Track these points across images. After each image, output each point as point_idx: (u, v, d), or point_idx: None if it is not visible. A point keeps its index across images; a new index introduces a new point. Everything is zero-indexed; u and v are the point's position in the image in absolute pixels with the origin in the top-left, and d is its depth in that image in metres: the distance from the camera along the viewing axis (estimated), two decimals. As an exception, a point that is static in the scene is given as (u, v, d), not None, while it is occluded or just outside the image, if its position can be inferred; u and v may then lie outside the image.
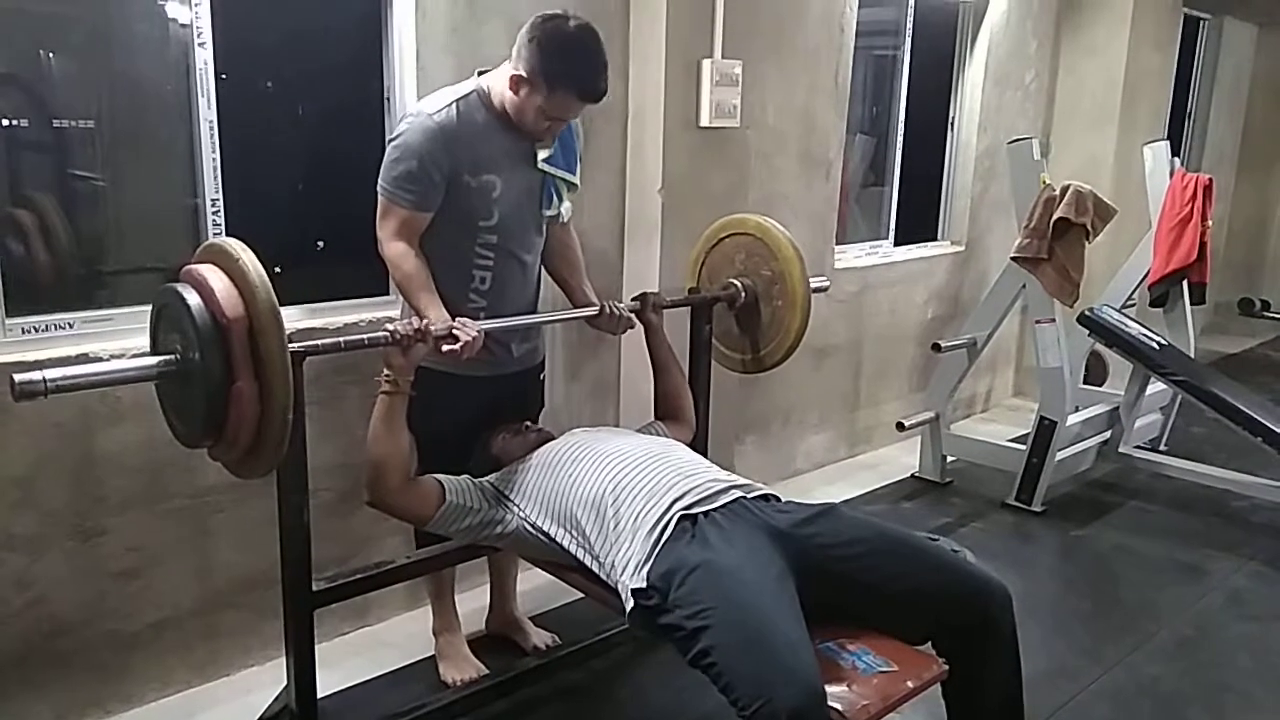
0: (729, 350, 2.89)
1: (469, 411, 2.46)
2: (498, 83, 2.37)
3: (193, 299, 1.69)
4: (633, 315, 2.60)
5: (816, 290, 2.74)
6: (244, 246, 1.75)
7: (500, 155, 2.39)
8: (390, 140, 2.37)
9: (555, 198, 2.53)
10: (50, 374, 1.63)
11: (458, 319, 2.20)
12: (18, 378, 1.61)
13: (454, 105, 2.35)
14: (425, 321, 2.12)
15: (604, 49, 2.33)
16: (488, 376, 2.49)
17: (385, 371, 2.08)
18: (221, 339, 1.68)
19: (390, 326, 2.05)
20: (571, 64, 2.28)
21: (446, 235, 2.39)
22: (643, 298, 2.62)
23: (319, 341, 2.03)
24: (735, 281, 2.77)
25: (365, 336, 2.09)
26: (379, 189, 2.35)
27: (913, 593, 1.92)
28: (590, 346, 3.39)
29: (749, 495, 2.05)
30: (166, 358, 1.78)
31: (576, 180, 2.58)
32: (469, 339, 2.17)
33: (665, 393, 2.65)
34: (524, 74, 2.28)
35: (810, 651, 1.69)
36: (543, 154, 2.45)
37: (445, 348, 2.16)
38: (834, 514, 2.03)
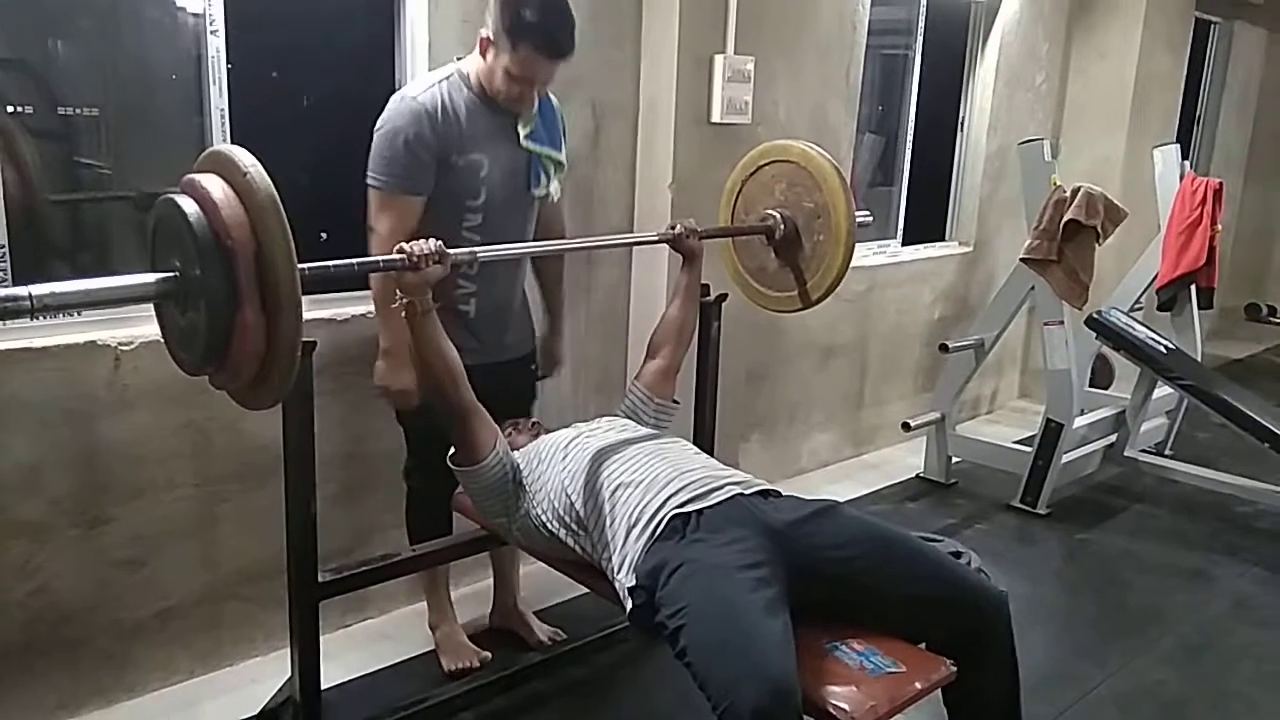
0: (762, 288, 2.70)
1: None
2: (472, 63, 2.38)
3: (190, 208, 1.53)
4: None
5: (860, 225, 2.54)
6: (252, 158, 1.56)
7: (484, 134, 2.39)
8: (376, 129, 2.35)
9: (543, 176, 2.51)
10: (37, 290, 1.47)
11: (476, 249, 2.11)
12: (1, 291, 1.46)
13: (436, 86, 2.36)
14: (438, 243, 1.96)
15: (569, 8, 2.31)
16: (476, 366, 2.45)
17: (401, 297, 1.98)
18: (224, 259, 1.51)
19: (404, 247, 1.92)
20: (533, 18, 2.25)
21: (433, 220, 2.34)
22: (674, 227, 2.47)
23: (330, 265, 1.82)
24: (774, 213, 2.58)
25: (379, 259, 1.95)
26: (369, 181, 2.33)
27: (909, 597, 1.91)
28: (597, 340, 3.38)
29: (746, 491, 2.02)
30: (164, 275, 1.61)
31: (563, 158, 2.56)
32: None
33: (672, 318, 2.51)
34: (489, 34, 2.29)
35: (787, 651, 1.65)
36: (524, 130, 2.44)
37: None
38: (833, 513, 2.00)
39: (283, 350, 1.56)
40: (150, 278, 1.61)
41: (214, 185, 1.55)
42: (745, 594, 1.74)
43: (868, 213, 2.67)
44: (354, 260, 1.89)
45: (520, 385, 2.73)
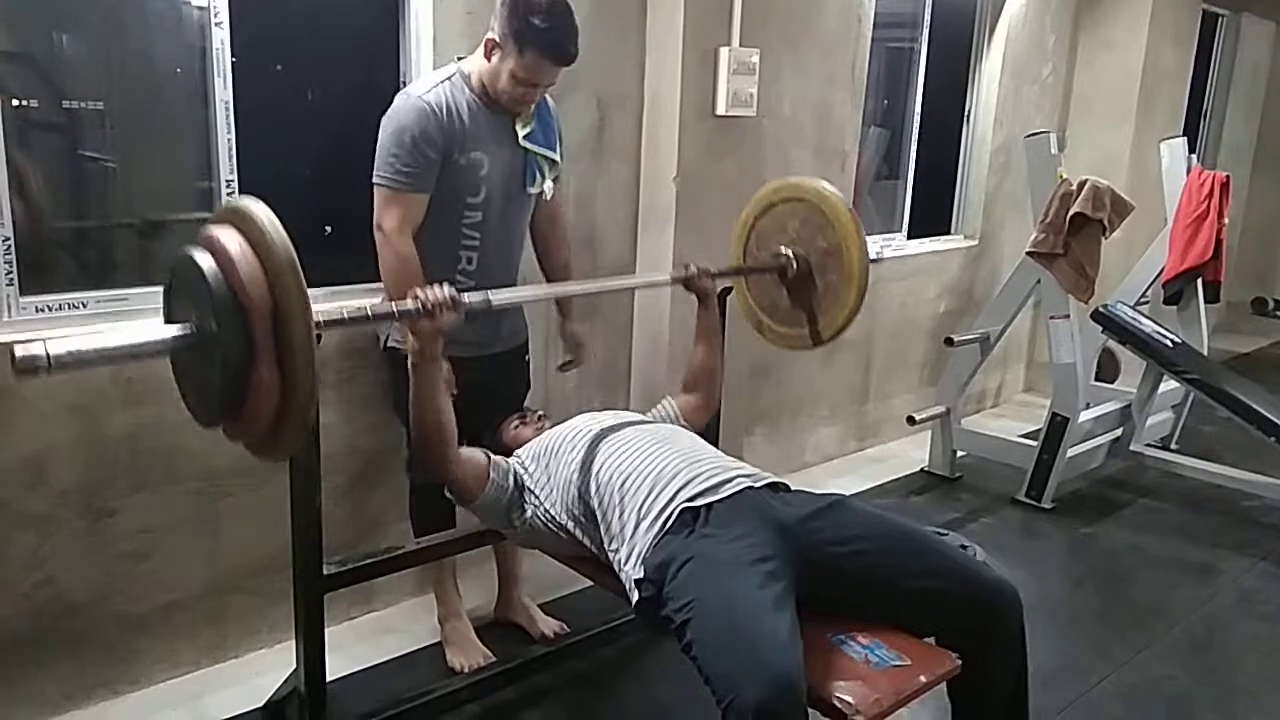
0: (773, 324, 2.69)
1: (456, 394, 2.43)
2: (475, 64, 2.42)
3: (207, 264, 1.52)
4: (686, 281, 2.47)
5: (871, 261, 2.53)
6: (269, 214, 1.55)
7: (485, 133, 2.43)
8: (382, 128, 2.37)
9: (538, 175, 2.57)
10: (53, 348, 1.45)
11: (489, 290, 2.11)
12: (18, 351, 1.43)
13: (441, 85, 2.40)
14: (453, 290, 1.95)
15: (574, 16, 2.35)
16: (473, 358, 2.46)
17: (412, 342, 1.98)
18: (241, 316, 1.51)
19: (419, 294, 1.91)
20: (540, 25, 2.29)
21: (434, 217, 2.41)
22: (686, 268, 2.47)
23: (344, 311, 1.86)
24: (786, 251, 2.55)
25: (394, 306, 1.97)
26: (376, 179, 2.36)
27: (920, 592, 1.90)
28: (599, 333, 3.37)
29: (756, 484, 2.02)
30: (180, 330, 1.60)
31: (558, 158, 2.62)
32: None
33: (700, 365, 2.53)
34: (495, 38, 2.33)
35: (793, 646, 1.65)
36: (523, 131, 2.49)
37: None
38: (842, 507, 2.00)
39: (297, 406, 1.56)
40: (167, 331, 1.61)
41: (231, 241, 1.54)
42: (753, 589, 1.73)
43: (877, 248, 2.67)
44: (368, 306, 1.91)
45: (515, 376, 2.77)
